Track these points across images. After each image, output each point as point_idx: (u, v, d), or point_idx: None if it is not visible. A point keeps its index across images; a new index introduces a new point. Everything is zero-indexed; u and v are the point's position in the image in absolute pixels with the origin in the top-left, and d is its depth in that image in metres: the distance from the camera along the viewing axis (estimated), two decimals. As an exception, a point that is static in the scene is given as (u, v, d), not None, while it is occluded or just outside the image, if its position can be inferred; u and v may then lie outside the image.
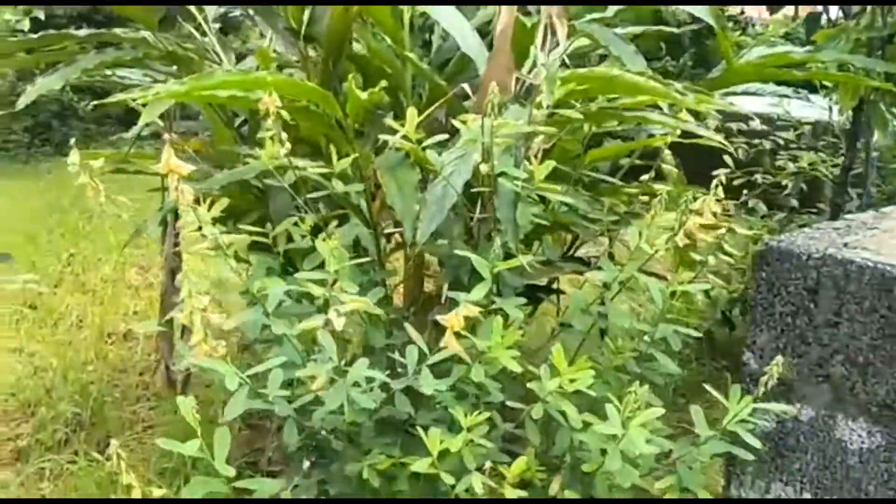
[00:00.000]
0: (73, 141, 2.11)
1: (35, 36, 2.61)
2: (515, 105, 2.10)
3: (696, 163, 4.20)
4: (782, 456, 1.98)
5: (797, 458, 1.96)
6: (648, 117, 2.08)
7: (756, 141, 4.42)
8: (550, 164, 1.87)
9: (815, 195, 4.21)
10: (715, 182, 1.91)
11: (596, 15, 2.74)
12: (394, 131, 1.94)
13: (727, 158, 3.97)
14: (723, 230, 2.11)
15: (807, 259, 1.92)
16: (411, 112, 1.90)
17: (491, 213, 1.93)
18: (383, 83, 2.14)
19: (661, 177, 2.85)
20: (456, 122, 1.92)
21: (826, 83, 3.92)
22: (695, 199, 2.00)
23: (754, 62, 2.90)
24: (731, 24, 12.57)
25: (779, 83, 3.24)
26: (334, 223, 2.23)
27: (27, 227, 5.61)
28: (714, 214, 1.90)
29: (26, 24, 6.37)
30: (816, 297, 1.91)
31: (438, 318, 1.63)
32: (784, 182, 3.89)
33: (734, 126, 4.53)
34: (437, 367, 1.73)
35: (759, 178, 3.93)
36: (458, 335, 1.64)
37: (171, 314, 2.47)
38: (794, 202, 3.98)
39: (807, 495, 1.96)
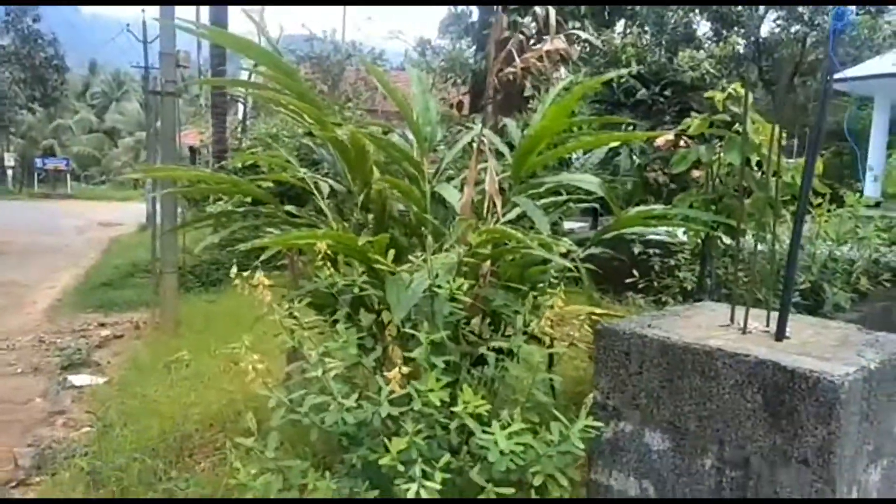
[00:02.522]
0: (233, 270, 2.01)
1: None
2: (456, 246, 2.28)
3: (619, 273, 4.27)
4: (616, 453, 2.02)
5: (624, 455, 2.01)
6: (533, 252, 2.21)
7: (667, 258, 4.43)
8: (461, 281, 2.02)
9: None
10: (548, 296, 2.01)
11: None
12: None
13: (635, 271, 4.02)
14: (582, 316, 2.20)
15: (622, 335, 2.01)
16: (391, 253, 2.09)
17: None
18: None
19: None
20: (411, 257, 2.10)
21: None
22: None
23: (633, 215, 3.00)
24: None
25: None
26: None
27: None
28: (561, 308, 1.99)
29: None
30: (629, 357, 1.99)
31: (386, 373, 1.78)
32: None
33: (651, 250, 4.58)
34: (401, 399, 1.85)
35: (656, 282, 3.94)
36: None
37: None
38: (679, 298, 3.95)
39: (631, 479, 1.99)
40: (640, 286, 4.05)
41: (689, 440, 1.84)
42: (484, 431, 1.81)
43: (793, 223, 1.99)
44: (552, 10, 2.42)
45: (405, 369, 1.78)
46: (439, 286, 2.00)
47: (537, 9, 2.41)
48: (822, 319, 2.30)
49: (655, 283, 3.98)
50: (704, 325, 2.08)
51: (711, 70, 17.01)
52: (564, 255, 3.09)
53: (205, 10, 12.70)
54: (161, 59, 5.91)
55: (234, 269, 1.92)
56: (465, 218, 2.44)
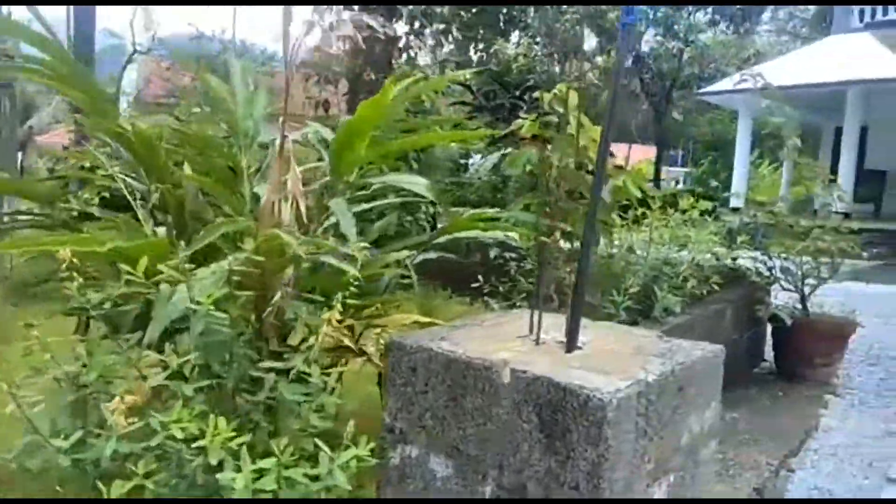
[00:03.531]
0: None
1: None
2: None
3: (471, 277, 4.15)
4: (403, 480, 1.82)
5: (411, 483, 1.81)
6: (331, 262, 1.98)
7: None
8: (224, 292, 1.75)
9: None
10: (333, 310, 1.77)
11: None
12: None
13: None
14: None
15: (409, 348, 1.81)
16: (173, 262, 1.78)
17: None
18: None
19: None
20: (162, 266, 1.81)
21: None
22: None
23: (465, 218, 2.86)
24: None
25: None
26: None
27: None
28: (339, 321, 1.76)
29: None
30: (416, 373, 1.80)
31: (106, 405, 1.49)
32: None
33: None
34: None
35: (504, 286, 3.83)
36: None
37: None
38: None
39: (418, 509, 1.78)
40: (499, 290, 3.92)
41: (472, 465, 1.66)
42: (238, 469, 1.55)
43: (584, 225, 1.87)
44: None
45: (127, 402, 1.49)
46: (199, 302, 1.72)
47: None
48: (629, 327, 2.21)
49: (501, 288, 3.87)
50: (502, 336, 1.93)
51: (596, 81, 17.63)
52: (397, 262, 2.89)
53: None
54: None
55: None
56: (229, 220, 2.17)
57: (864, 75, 11.12)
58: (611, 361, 1.70)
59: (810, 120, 15.52)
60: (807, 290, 3.85)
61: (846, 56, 11.94)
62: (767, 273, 3.91)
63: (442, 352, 1.73)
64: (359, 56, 6.99)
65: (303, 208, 2.36)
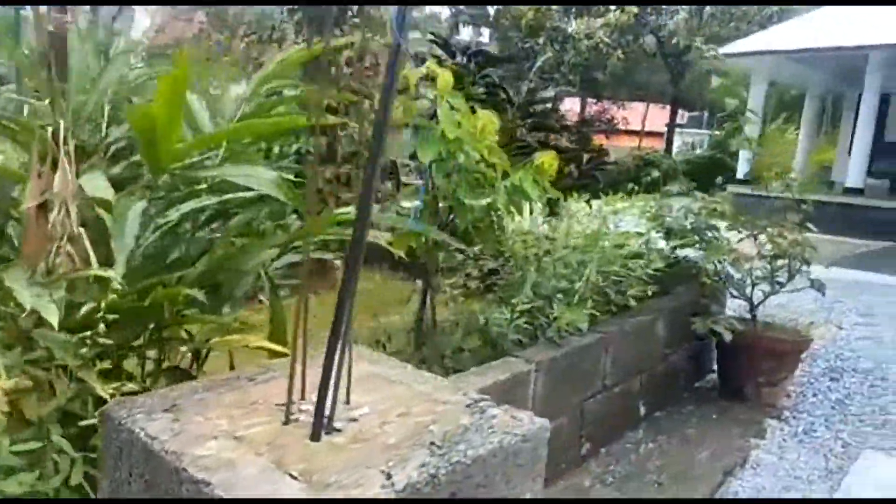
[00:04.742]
0: None
1: None
2: None
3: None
4: (112, 588, 1.42)
5: (118, 593, 1.40)
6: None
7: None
8: None
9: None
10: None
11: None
12: None
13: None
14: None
15: (118, 424, 1.39)
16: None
17: None
18: None
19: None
20: None
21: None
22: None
23: (327, 220, 2.45)
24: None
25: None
26: None
27: None
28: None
29: None
30: (121, 457, 1.38)
31: None
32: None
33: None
34: None
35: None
36: None
37: None
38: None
39: None
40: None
41: (163, 590, 1.26)
42: None
43: (352, 237, 1.39)
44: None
45: None
46: None
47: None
48: (446, 382, 1.74)
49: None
50: (261, 402, 1.50)
51: (606, 39, 16.68)
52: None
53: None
54: None
55: None
56: None
57: (886, 39, 10.18)
58: (359, 460, 1.27)
59: (833, 86, 14.51)
60: (757, 297, 3.35)
61: (871, 16, 10.95)
62: (715, 277, 3.40)
63: (141, 438, 1.32)
64: (294, 14, 6.43)
65: (73, 214, 1.94)
